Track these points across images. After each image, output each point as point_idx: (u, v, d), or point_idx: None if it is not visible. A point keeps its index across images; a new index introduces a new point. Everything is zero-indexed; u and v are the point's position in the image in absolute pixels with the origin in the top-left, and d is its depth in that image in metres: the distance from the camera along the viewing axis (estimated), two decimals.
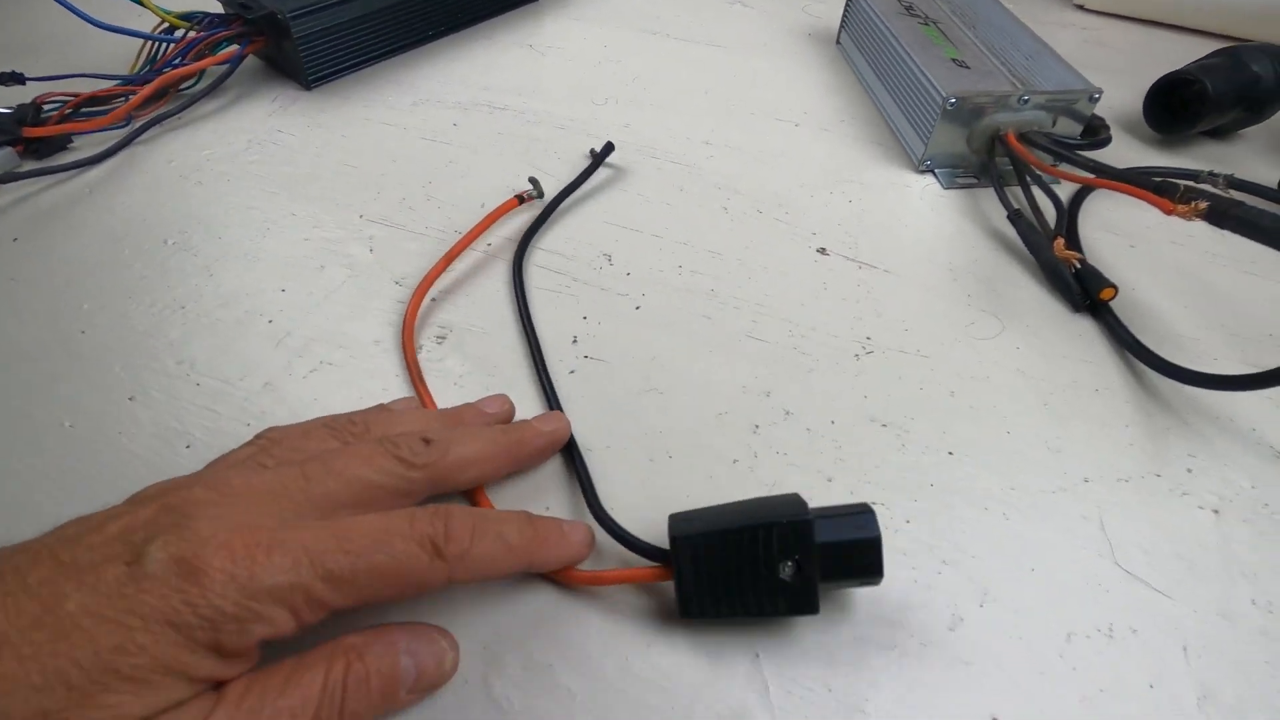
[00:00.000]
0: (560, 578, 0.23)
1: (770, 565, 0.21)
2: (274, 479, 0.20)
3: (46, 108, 0.40)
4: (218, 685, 0.18)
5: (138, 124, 0.41)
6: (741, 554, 0.21)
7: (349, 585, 0.18)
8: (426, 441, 0.22)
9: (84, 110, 0.40)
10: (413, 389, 0.28)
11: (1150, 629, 0.23)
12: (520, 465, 0.25)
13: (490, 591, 0.23)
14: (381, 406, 0.26)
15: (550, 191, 0.37)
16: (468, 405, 0.27)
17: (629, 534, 0.23)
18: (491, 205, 0.37)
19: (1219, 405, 0.29)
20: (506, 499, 0.25)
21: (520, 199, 0.36)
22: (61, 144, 0.40)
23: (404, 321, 0.30)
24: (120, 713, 0.16)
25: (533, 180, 0.37)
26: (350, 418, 0.24)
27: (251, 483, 0.19)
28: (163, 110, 0.42)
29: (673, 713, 0.21)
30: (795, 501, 0.22)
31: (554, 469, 0.26)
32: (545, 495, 0.26)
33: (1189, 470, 0.27)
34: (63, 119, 0.39)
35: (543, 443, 0.26)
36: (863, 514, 0.21)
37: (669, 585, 0.22)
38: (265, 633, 0.17)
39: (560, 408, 0.28)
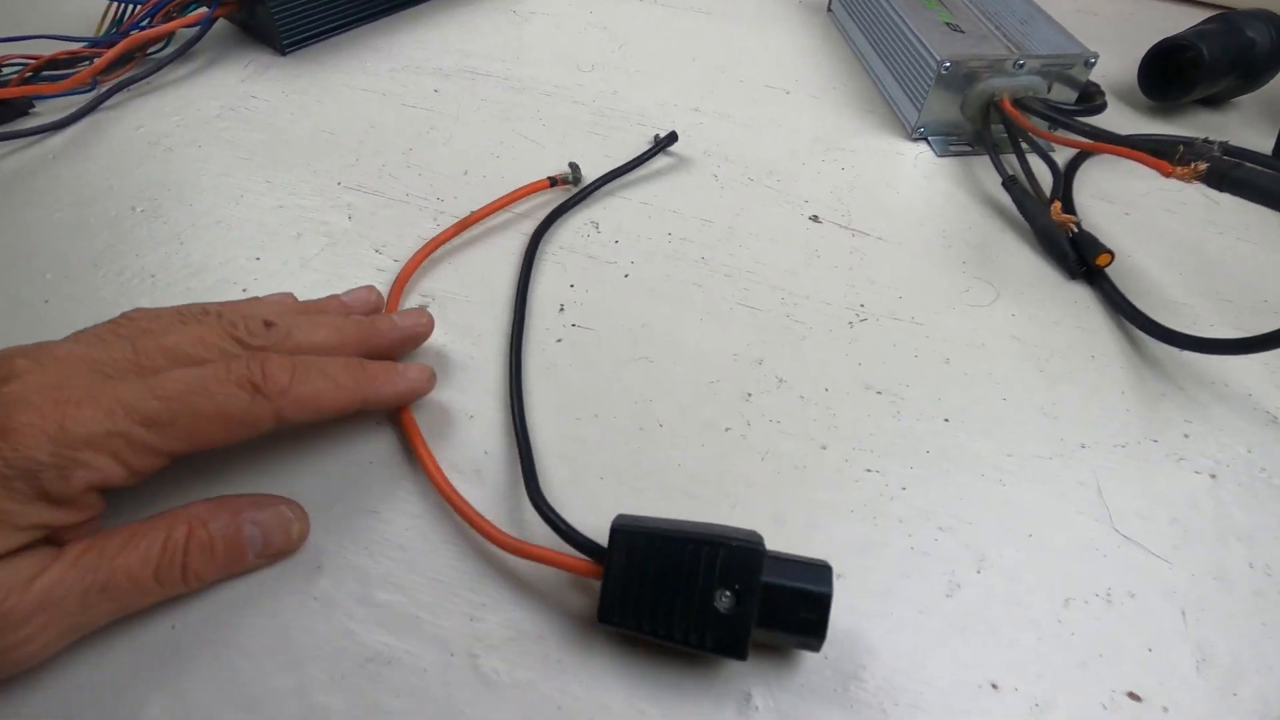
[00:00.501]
0: (493, 541, 0.21)
1: (708, 589, 0.19)
2: (101, 351, 0.20)
3: (6, 70, 0.38)
4: (59, 541, 0.18)
5: (104, 88, 0.39)
6: (681, 567, 0.19)
7: (169, 428, 0.18)
8: (268, 324, 0.22)
9: (46, 73, 0.39)
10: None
11: (1148, 593, 0.22)
12: (372, 356, 0.24)
13: (474, 562, 0.22)
14: (253, 298, 0.26)
15: (560, 164, 0.36)
16: (331, 295, 0.27)
17: (567, 525, 0.21)
18: (475, 173, 0.36)
19: (1214, 371, 0.29)
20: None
21: (552, 182, 0.34)
22: (23, 108, 0.38)
23: (394, 283, 0.29)
24: None
25: (573, 165, 0.35)
26: (208, 305, 0.23)
27: (75, 352, 0.20)
28: (130, 75, 0.40)
29: (664, 683, 0.20)
30: (753, 535, 0.20)
31: (496, 448, 0.25)
32: (485, 477, 0.24)
33: (1185, 436, 0.27)
34: (23, 81, 0.38)
35: (397, 336, 0.25)
36: (820, 568, 0.20)
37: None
38: (90, 478, 0.18)
39: (521, 383, 0.26)
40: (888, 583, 0.22)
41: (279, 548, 0.22)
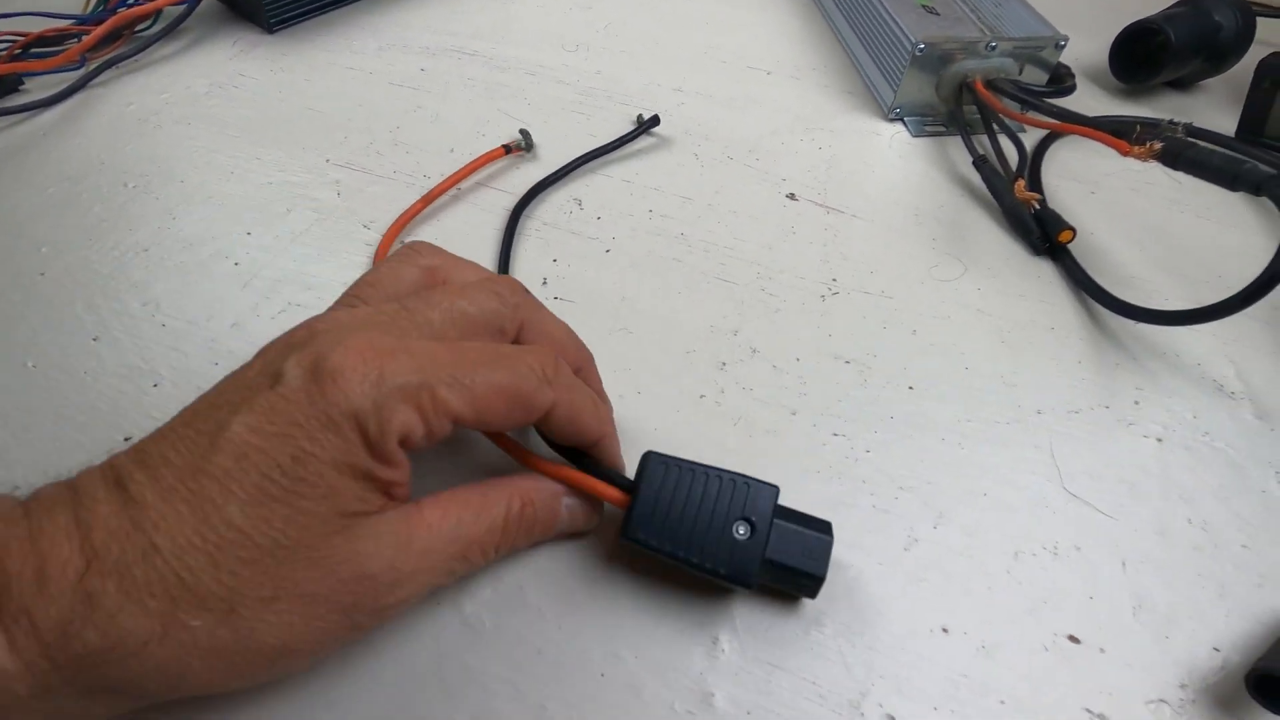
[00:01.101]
0: (527, 462, 0.22)
1: (728, 519, 0.21)
2: (375, 313, 0.20)
3: None
4: (389, 493, 0.18)
5: (92, 66, 0.39)
6: (706, 497, 0.21)
7: (470, 393, 0.18)
8: (525, 291, 0.23)
9: (34, 50, 0.39)
10: None
11: (1092, 546, 0.24)
12: (600, 412, 0.22)
13: None
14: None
15: (545, 143, 0.37)
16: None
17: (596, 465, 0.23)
18: (461, 151, 0.37)
19: (1166, 342, 0.30)
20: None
21: (507, 149, 0.35)
22: (13, 86, 0.38)
23: (374, 258, 0.30)
24: (319, 518, 0.17)
25: (523, 132, 0.36)
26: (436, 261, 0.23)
27: (358, 315, 0.19)
28: (118, 52, 0.40)
29: (639, 629, 0.22)
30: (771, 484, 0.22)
31: None
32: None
33: (1136, 403, 0.28)
34: (12, 58, 0.38)
35: (616, 436, 0.24)
36: (823, 522, 0.22)
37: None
38: (401, 429, 0.17)
39: None
40: (851, 538, 0.24)
41: (577, 530, 0.23)
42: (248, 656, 0.17)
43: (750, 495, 0.21)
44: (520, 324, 0.22)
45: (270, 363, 0.18)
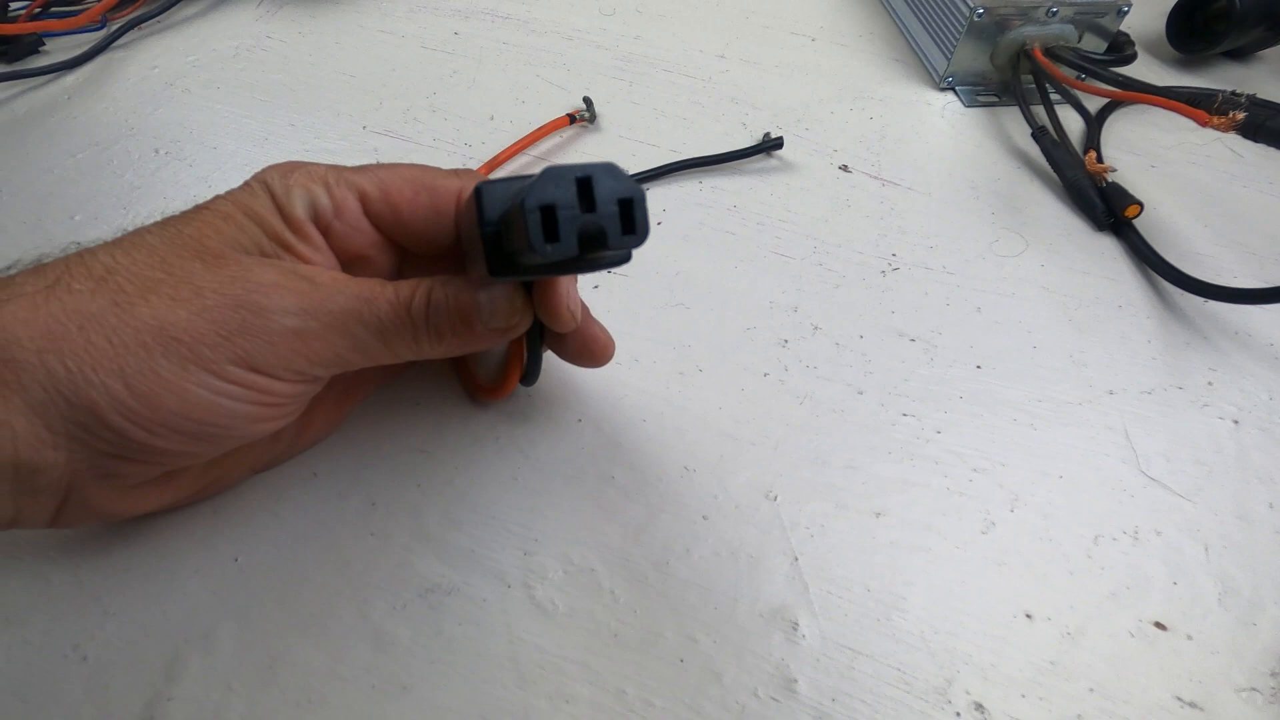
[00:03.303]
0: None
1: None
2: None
3: (13, 5, 0.37)
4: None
5: (114, 27, 0.38)
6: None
7: (374, 175, 0.20)
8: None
9: (53, 10, 0.37)
10: None
11: (1173, 530, 0.23)
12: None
13: (520, 498, 0.23)
14: None
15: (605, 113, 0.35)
16: None
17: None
18: (501, 118, 0.35)
19: (1238, 321, 0.29)
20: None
21: (572, 119, 0.34)
22: (33, 47, 0.37)
23: None
24: (217, 230, 0.18)
25: (587, 100, 0.35)
26: None
27: None
28: (140, 12, 0.39)
29: (714, 613, 0.21)
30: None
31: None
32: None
33: (1209, 383, 0.27)
34: (32, 17, 0.36)
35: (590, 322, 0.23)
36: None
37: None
38: (305, 193, 0.19)
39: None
40: (926, 519, 0.23)
41: (500, 326, 0.20)
42: (125, 333, 0.17)
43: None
44: None
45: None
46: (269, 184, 0.19)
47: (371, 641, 0.20)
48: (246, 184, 0.20)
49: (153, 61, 0.37)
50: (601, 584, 0.21)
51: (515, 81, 0.38)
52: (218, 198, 0.19)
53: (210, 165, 0.32)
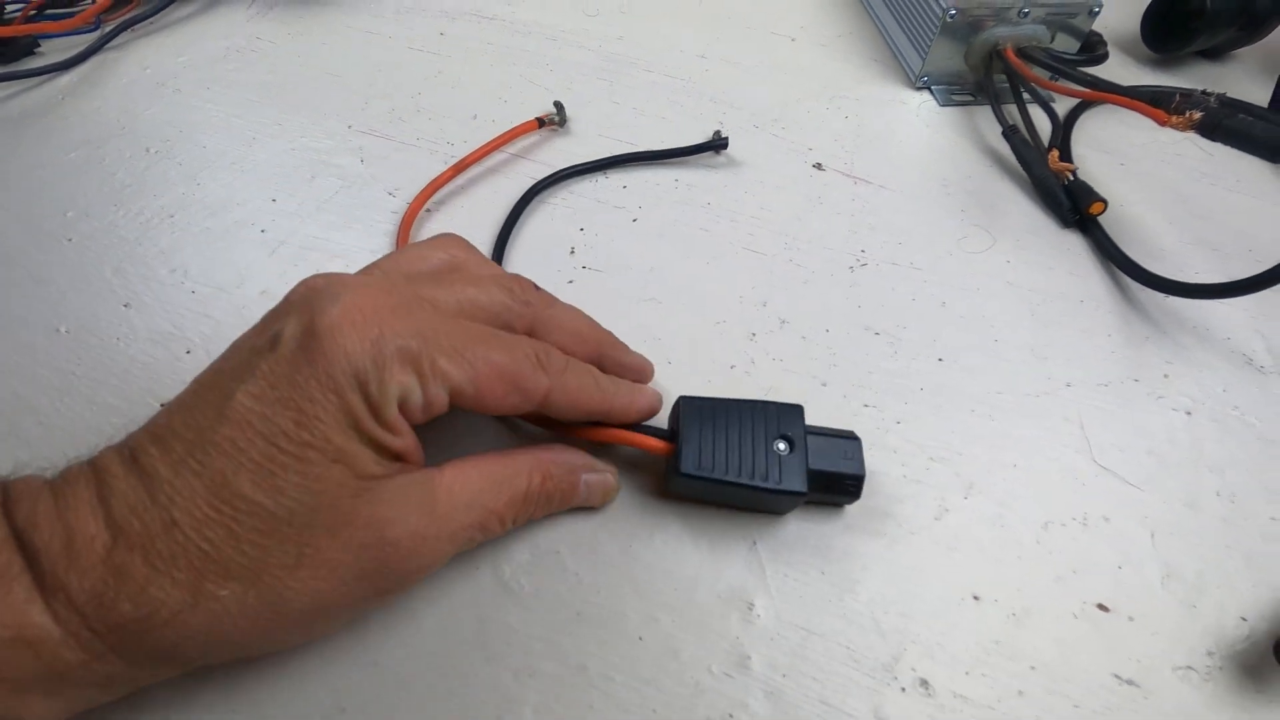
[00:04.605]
0: (568, 433, 0.23)
1: (767, 437, 0.22)
2: (383, 279, 0.20)
3: (9, 8, 0.38)
4: (400, 460, 0.18)
5: (108, 28, 0.39)
6: (741, 423, 0.22)
7: (470, 367, 0.18)
8: (536, 288, 0.23)
9: (49, 11, 0.38)
10: None
11: (1121, 517, 0.24)
12: (604, 391, 0.23)
13: None
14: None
15: (570, 112, 0.36)
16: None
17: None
18: (484, 118, 0.36)
19: (1197, 316, 0.30)
20: None
21: (540, 122, 0.35)
22: (28, 48, 0.38)
23: (399, 228, 0.30)
24: (334, 483, 0.17)
25: (558, 105, 0.36)
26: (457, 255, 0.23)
27: (367, 281, 0.19)
28: (133, 14, 0.40)
29: (675, 594, 0.22)
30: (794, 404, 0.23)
31: None
32: None
33: (1165, 376, 0.28)
34: (27, 20, 0.37)
35: (630, 362, 0.25)
36: (848, 432, 0.23)
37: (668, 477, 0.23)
38: (400, 391, 0.17)
39: None
40: (883, 507, 0.24)
41: (596, 503, 0.23)
42: (279, 621, 0.17)
43: (781, 415, 0.22)
44: (531, 321, 0.22)
45: (269, 324, 0.18)
46: (361, 380, 0.17)
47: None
48: (332, 379, 0.17)
49: (145, 62, 0.38)
50: (566, 566, 0.22)
51: (499, 81, 0.38)
52: (311, 419, 0.17)
53: (199, 163, 0.33)
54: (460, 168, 0.32)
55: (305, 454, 0.17)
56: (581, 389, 0.21)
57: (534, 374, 0.20)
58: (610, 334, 0.25)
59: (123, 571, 0.16)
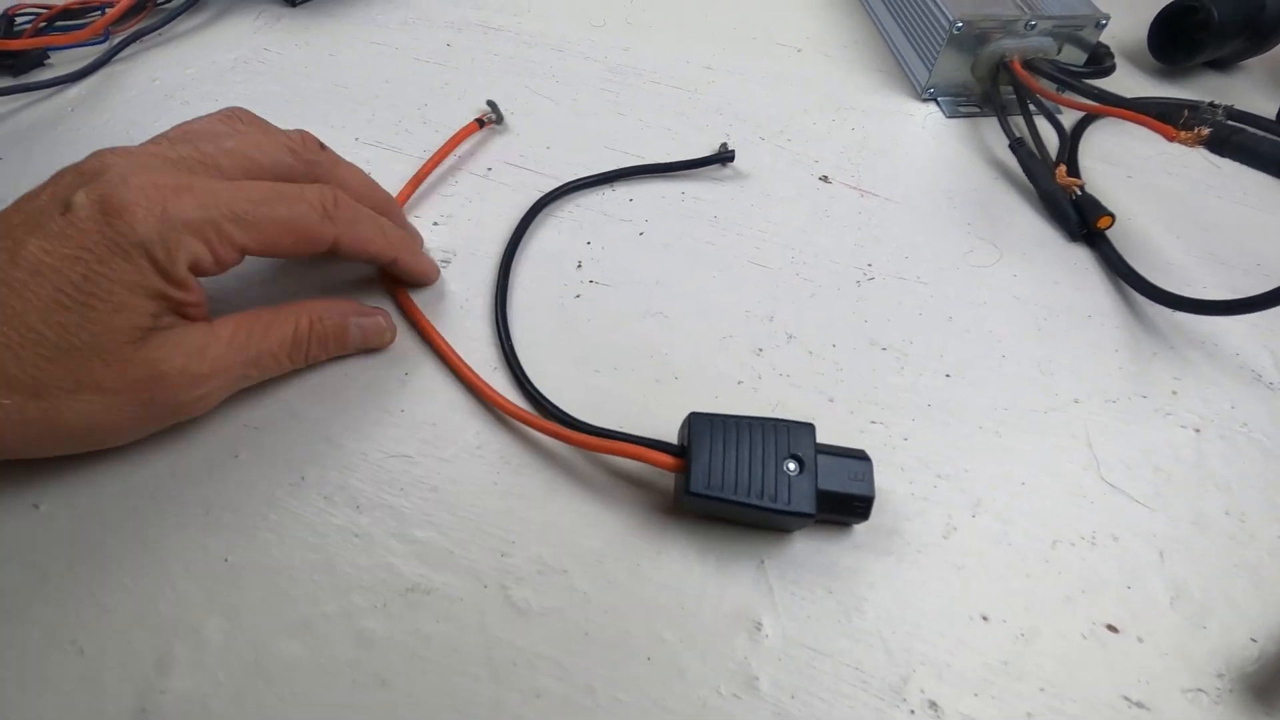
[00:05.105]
0: (573, 441, 0.24)
1: (777, 457, 0.22)
2: (173, 150, 0.22)
3: (19, 20, 0.38)
4: (181, 313, 0.22)
5: (116, 40, 0.39)
6: (752, 441, 0.22)
7: (253, 228, 0.21)
8: (321, 147, 0.26)
9: (59, 24, 0.39)
10: (403, 313, 0.28)
11: (1129, 536, 0.24)
12: (389, 237, 0.26)
13: (498, 501, 0.24)
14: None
15: (574, 121, 0.36)
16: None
17: (639, 436, 0.24)
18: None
19: (1205, 331, 0.30)
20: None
21: (480, 123, 0.35)
22: (38, 60, 0.38)
23: None
24: (114, 329, 0.20)
25: (491, 104, 0.36)
26: (241, 112, 0.26)
27: (149, 150, 0.22)
28: (142, 26, 0.40)
29: (681, 613, 0.22)
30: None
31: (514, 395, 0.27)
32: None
33: (1173, 392, 0.28)
34: (37, 32, 0.38)
35: (404, 224, 0.29)
36: (859, 450, 0.23)
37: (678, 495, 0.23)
38: (189, 259, 0.20)
39: (510, 339, 0.28)
40: (890, 524, 0.24)
41: (373, 345, 0.27)
42: (57, 432, 0.20)
43: (791, 435, 0.22)
44: (315, 179, 0.24)
45: (61, 190, 0.20)
46: (149, 250, 0.20)
47: (353, 638, 0.21)
48: (121, 248, 0.19)
49: (153, 74, 0.38)
50: (574, 585, 0.22)
51: (505, 93, 0.38)
52: (98, 275, 0.19)
53: None
54: (418, 179, 0.33)
55: (89, 302, 0.19)
56: (370, 237, 0.25)
57: (320, 224, 0.23)
58: (391, 197, 0.29)
59: None
